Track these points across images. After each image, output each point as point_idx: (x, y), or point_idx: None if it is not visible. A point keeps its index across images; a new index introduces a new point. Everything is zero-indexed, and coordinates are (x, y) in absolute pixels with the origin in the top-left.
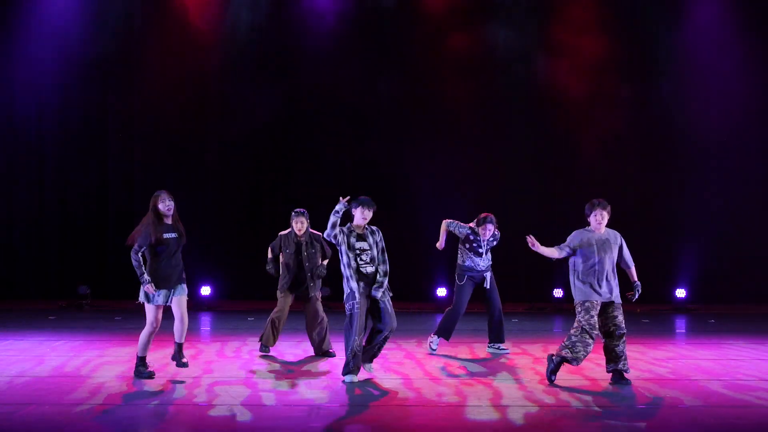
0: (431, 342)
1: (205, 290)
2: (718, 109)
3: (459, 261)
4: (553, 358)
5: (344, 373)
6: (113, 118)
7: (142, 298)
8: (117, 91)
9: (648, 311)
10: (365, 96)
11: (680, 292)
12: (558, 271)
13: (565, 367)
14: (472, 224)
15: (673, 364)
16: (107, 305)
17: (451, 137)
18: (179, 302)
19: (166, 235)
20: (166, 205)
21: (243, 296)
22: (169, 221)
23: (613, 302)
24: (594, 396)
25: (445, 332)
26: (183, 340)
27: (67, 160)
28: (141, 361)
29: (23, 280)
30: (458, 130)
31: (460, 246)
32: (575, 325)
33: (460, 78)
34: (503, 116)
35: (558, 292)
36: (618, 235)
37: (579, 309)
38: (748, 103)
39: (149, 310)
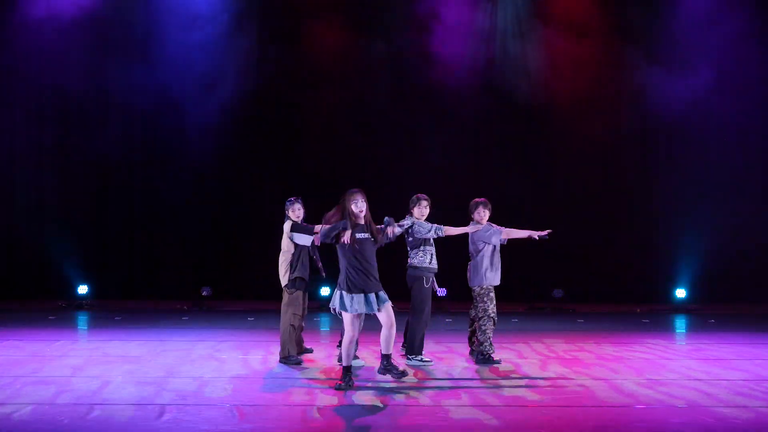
0: (422, 359)
1: (204, 290)
2: (718, 107)
3: (426, 262)
4: (480, 357)
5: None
6: (113, 117)
7: (336, 305)
8: (117, 89)
9: (648, 311)
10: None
11: (680, 292)
12: (558, 271)
13: (568, 365)
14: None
15: (672, 364)
16: (107, 305)
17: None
18: (386, 308)
19: (359, 236)
20: (358, 207)
21: (243, 296)
22: (361, 221)
23: None
24: (595, 395)
25: (419, 348)
26: (390, 351)
27: (66, 159)
28: (346, 371)
29: (23, 280)
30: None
31: (425, 246)
32: (484, 315)
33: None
34: (493, 114)
35: (558, 292)
36: None
37: (485, 298)
38: (748, 102)
39: (346, 318)
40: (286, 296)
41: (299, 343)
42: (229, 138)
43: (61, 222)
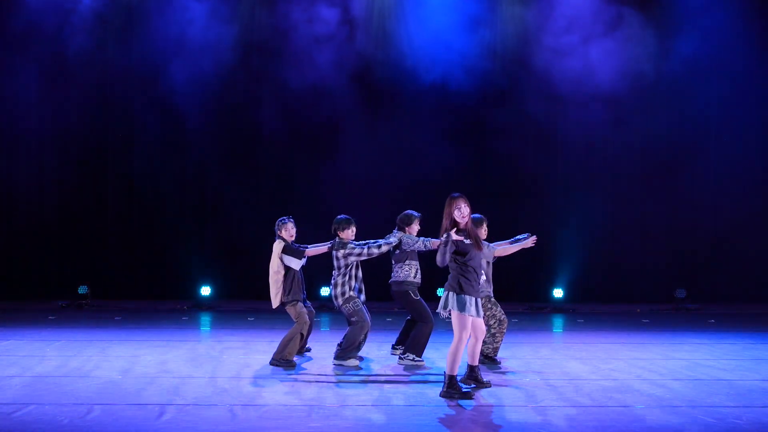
0: (414, 359)
1: (205, 290)
2: (716, 106)
3: (411, 276)
4: (480, 357)
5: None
6: (112, 118)
7: (454, 306)
8: (116, 87)
9: (648, 311)
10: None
11: (679, 292)
12: (558, 271)
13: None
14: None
15: (672, 363)
16: (107, 305)
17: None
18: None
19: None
20: (461, 212)
21: (243, 296)
22: (462, 227)
23: None
24: (595, 395)
25: (420, 349)
26: (476, 362)
27: (66, 159)
28: (451, 380)
29: (23, 280)
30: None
31: (410, 261)
32: (494, 321)
33: None
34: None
35: (558, 292)
36: None
37: (488, 304)
38: (747, 100)
39: (460, 320)
40: (293, 310)
41: (299, 349)
42: (228, 136)
43: (61, 222)
